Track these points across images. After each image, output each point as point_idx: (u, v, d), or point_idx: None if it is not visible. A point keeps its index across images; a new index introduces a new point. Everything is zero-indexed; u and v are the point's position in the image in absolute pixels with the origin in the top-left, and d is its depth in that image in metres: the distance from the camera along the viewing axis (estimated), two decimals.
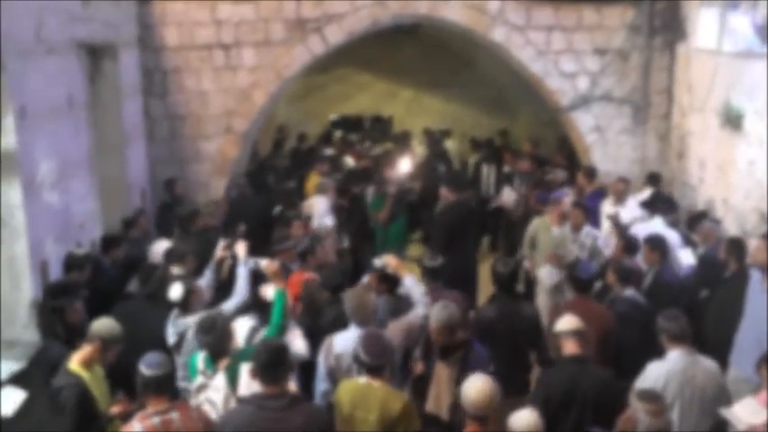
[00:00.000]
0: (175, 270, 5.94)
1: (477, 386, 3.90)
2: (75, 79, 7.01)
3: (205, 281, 5.88)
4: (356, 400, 4.35)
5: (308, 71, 10.33)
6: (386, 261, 5.73)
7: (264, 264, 5.40)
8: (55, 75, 6.52)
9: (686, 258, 7.03)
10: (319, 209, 8.58)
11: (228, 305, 5.51)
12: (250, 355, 4.50)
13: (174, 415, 4.02)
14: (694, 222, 7.68)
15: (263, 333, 5.02)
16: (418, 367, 5.20)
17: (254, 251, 6.15)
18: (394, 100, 15.55)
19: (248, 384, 4.44)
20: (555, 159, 11.05)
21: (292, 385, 4.44)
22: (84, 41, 7.22)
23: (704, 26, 8.62)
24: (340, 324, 5.20)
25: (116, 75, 8.27)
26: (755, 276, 5.58)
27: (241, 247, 5.90)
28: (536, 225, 8.26)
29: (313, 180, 9.71)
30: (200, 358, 4.76)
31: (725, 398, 4.73)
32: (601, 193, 8.96)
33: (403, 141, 13.04)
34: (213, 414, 4.43)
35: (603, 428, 4.38)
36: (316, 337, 5.24)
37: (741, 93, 7.64)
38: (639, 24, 9.56)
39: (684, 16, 9.29)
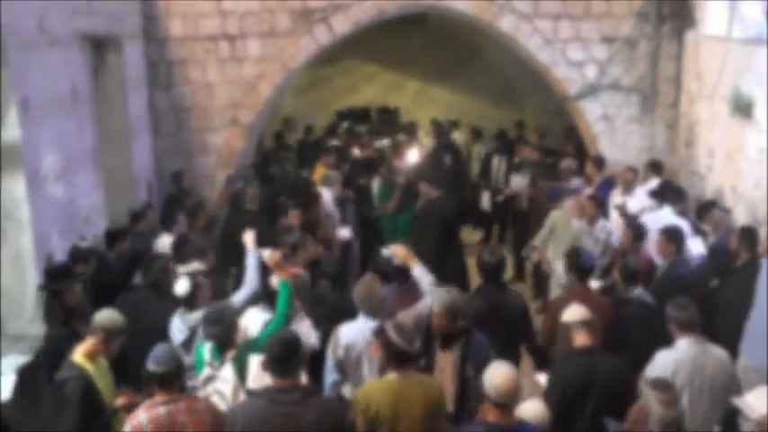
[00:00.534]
0: (195, 266, 5.86)
1: (502, 373, 3.82)
2: (79, 72, 6.98)
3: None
4: (396, 398, 4.09)
5: (313, 63, 10.27)
6: (394, 251, 5.70)
7: (267, 254, 5.36)
8: (58, 67, 6.48)
9: (696, 248, 6.96)
10: (326, 201, 8.53)
11: (238, 296, 5.49)
12: (258, 345, 4.48)
13: (182, 405, 4.00)
14: (703, 211, 7.60)
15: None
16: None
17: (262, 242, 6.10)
18: (400, 91, 15.46)
19: (257, 376, 4.40)
20: (565, 149, 10.95)
21: (303, 377, 4.33)
22: (87, 33, 7.19)
23: (713, 13, 8.54)
24: (337, 316, 5.18)
25: (120, 67, 8.22)
26: (767, 265, 5.51)
27: (250, 238, 5.83)
28: (554, 217, 8.14)
29: (319, 171, 9.67)
30: (207, 349, 4.75)
31: (735, 387, 4.69)
32: (610, 183, 8.89)
33: (410, 132, 12.97)
34: (222, 405, 4.40)
35: (615, 418, 4.34)
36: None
37: (751, 80, 7.54)
38: (647, 12, 9.47)
39: (693, 3, 9.19)
